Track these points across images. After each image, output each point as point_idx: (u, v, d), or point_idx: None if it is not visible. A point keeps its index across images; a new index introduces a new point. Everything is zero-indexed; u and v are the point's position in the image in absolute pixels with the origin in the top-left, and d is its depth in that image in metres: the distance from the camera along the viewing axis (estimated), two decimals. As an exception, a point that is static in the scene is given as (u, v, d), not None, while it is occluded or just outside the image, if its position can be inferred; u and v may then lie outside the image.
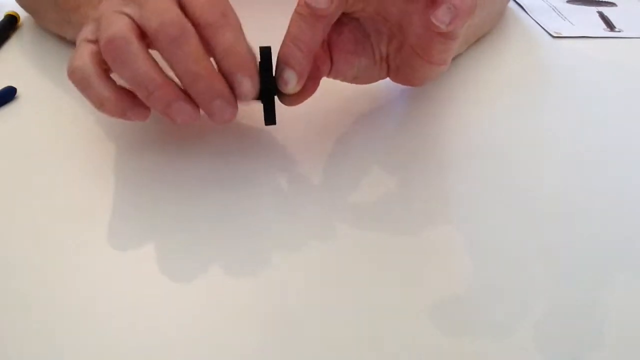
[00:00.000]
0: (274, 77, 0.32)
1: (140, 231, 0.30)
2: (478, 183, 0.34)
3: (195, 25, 0.30)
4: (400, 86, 0.39)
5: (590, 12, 0.60)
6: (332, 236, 0.30)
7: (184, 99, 0.30)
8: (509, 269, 0.28)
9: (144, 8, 0.30)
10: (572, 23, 0.57)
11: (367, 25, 0.35)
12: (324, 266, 0.28)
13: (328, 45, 0.35)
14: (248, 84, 0.30)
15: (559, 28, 0.55)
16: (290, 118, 0.35)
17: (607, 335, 0.25)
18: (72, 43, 0.45)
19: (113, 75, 0.31)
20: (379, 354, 0.24)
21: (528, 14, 0.59)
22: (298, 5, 0.31)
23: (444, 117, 0.40)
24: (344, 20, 0.30)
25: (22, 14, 0.52)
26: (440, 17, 0.29)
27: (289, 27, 0.32)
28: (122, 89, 0.31)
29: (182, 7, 0.30)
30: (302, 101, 0.34)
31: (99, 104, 0.31)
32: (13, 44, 0.49)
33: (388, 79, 0.38)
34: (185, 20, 0.29)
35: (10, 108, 0.40)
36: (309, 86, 0.33)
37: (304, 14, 0.31)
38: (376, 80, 0.38)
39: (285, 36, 0.32)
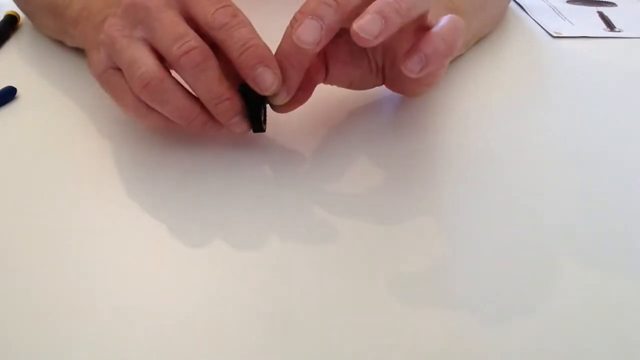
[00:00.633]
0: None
1: (140, 231, 0.30)
2: (477, 182, 0.34)
3: (209, 29, 0.30)
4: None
5: (590, 12, 0.60)
6: (333, 236, 0.30)
7: (213, 118, 0.32)
8: (509, 269, 0.28)
9: (156, 30, 0.30)
10: (572, 23, 0.57)
11: None
12: (323, 266, 0.28)
13: (324, 54, 0.35)
14: (269, 74, 0.31)
15: (559, 28, 0.55)
16: (288, 116, 0.35)
17: (607, 335, 0.25)
18: (71, 47, 0.45)
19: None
20: (377, 350, 0.24)
21: (528, 14, 0.59)
22: (290, 24, 0.31)
23: (443, 116, 0.40)
24: (340, 31, 0.30)
25: (22, 14, 0.52)
26: (410, 66, 0.30)
27: (280, 43, 0.31)
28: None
29: (191, 18, 0.31)
30: (293, 109, 0.34)
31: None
32: (13, 44, 0.49)
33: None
34: (203, 43, 0.30)
35: (10, 108, 0.40)
36: (299, 97, 0.34)
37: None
38: (372, 87, 0.38)
39: (277, 51, 0.32)
